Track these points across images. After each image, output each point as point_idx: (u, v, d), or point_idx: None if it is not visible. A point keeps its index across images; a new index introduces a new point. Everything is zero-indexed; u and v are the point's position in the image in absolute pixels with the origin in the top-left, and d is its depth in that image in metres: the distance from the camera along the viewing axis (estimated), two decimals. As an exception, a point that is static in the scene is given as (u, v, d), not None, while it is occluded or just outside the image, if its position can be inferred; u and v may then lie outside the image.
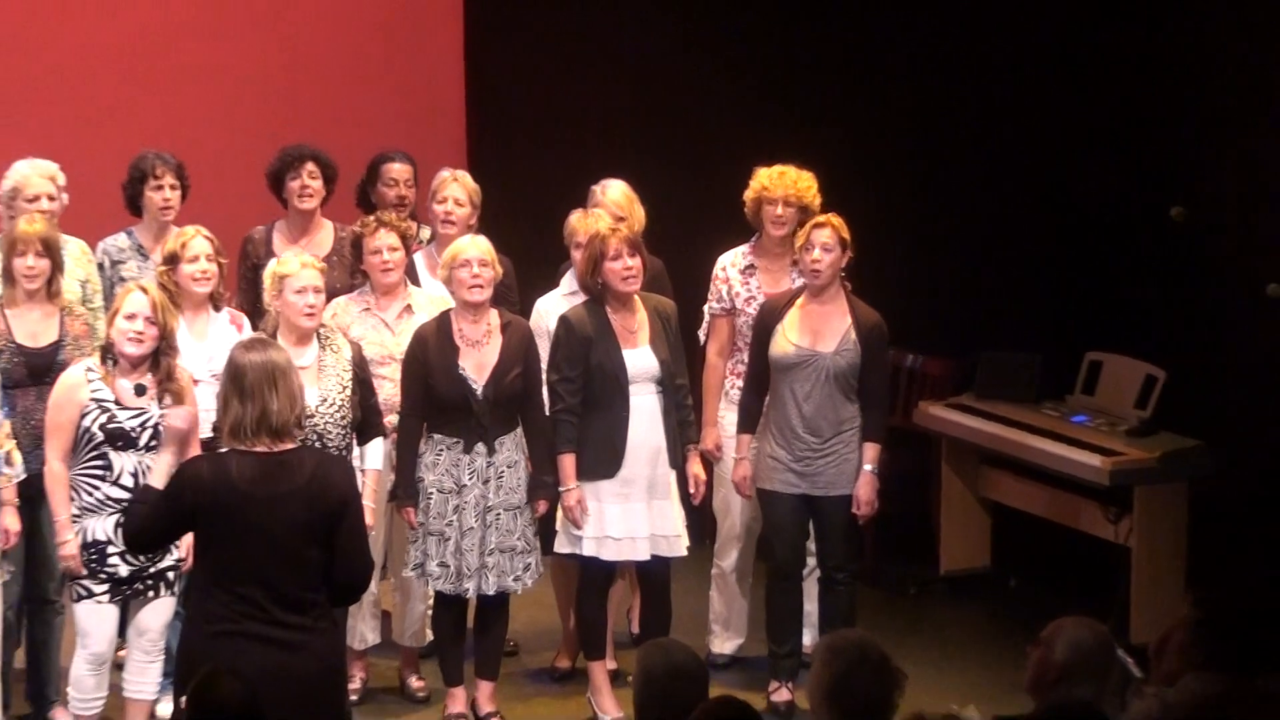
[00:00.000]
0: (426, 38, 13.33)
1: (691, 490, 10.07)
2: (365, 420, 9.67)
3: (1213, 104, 11.56)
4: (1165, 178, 11.54)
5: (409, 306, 10.18)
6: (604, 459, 9.87)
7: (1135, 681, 8.00)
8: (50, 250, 9.72)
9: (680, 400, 10.02)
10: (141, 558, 9.08)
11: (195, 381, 9.38)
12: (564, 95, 12.92)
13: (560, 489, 9.87)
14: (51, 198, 10.16)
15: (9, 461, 9.26)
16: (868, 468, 9.98)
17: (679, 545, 10.05)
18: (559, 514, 9.97)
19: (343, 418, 9.50)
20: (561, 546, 10.03)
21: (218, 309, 9.89)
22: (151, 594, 9.18)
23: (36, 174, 10.18)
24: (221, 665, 6.93)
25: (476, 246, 9.79)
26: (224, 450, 7.89)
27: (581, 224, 10.26)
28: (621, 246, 9.77)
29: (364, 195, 11.06)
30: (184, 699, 6.79)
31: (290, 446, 7.56)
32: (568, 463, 9.86)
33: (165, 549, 8.82)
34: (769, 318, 10.01)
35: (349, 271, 10.40)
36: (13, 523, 9.25)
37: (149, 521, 7.83)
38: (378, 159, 11.14)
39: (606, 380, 9.83)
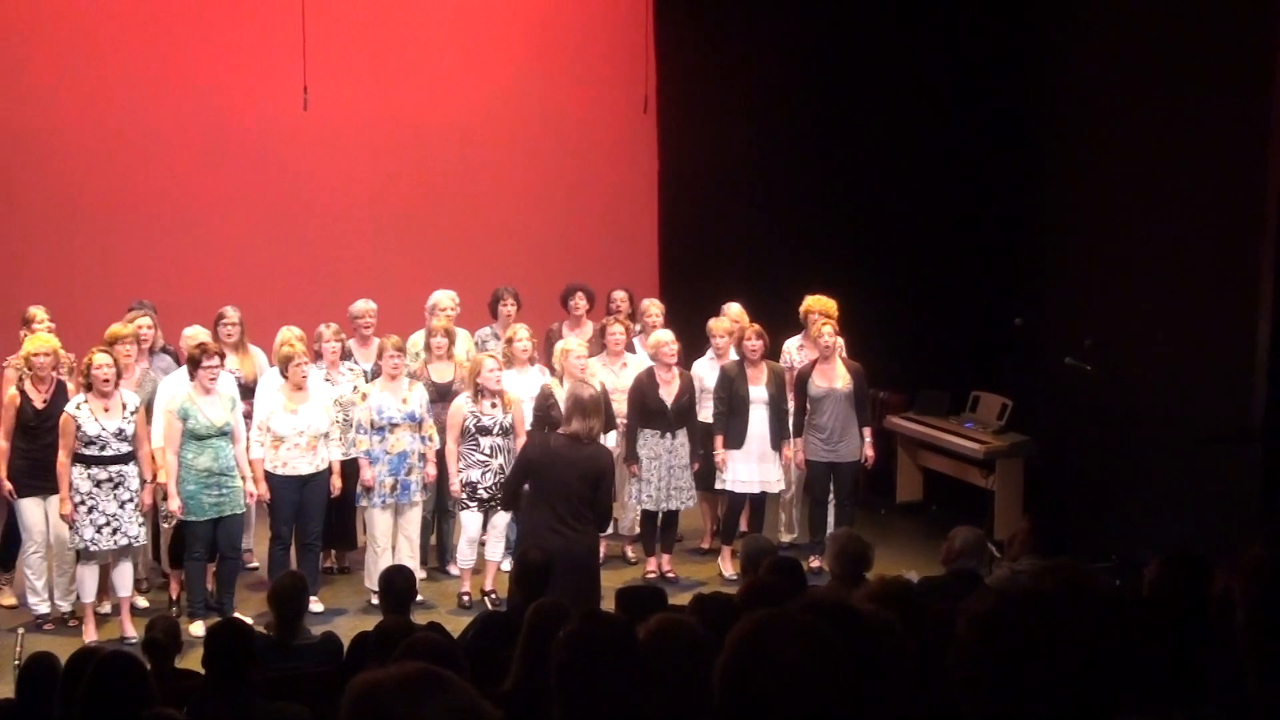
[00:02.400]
0: (635, 213, 12.93)
1: (783, 462, 10.08)
2: (607, 421, 9.32)
3: (1043, 250, 11.52)
4: (1013, 297, 11.42)
5: (625, 363, 10.07)
6: (735, 439, 9.89)
7: (997, 559, 8.13)
8: (449, 335, 9.85)
9: (783, 417, 10.02)
10: (492, 488, 9.15)
11: (521, 401, 9.42)
12: (708, 250, 12.52)
13: (713, 453, 9.91)
14: (451, 309, 10.24)
15: (431, 439, 9.38)
16: (868, 439, 10.07)
17: (776, 488, 10.13)
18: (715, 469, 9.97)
19: (593, 419, 9.51)
20: (718, 485, 10.01)
21: (533, 364, 9.87)
22: (499, 508, 9.20)
23: (445, 296, 10.30)
24: (532, 545, 7.23)
25: (670, 336, 9.88)
26: (550, 433, 8.21)
27: (715, 325, 10.26)
28: (752, 334, 9.91)
29: (606, 308, 10.84)
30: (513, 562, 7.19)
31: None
32: (719, 440, 9.89)
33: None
34: (804, 376, 10.04)
35: (599, 347, 10.25)
36: (432, 470, 9.39)
37: (512, 473, 8.16)
38: (611, 291, 10.97)
39: (739, 400, 9.85)
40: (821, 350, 10.02)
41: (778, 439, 10.03)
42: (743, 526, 10.26)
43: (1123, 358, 10.19)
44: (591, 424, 7.84)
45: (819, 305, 10.33)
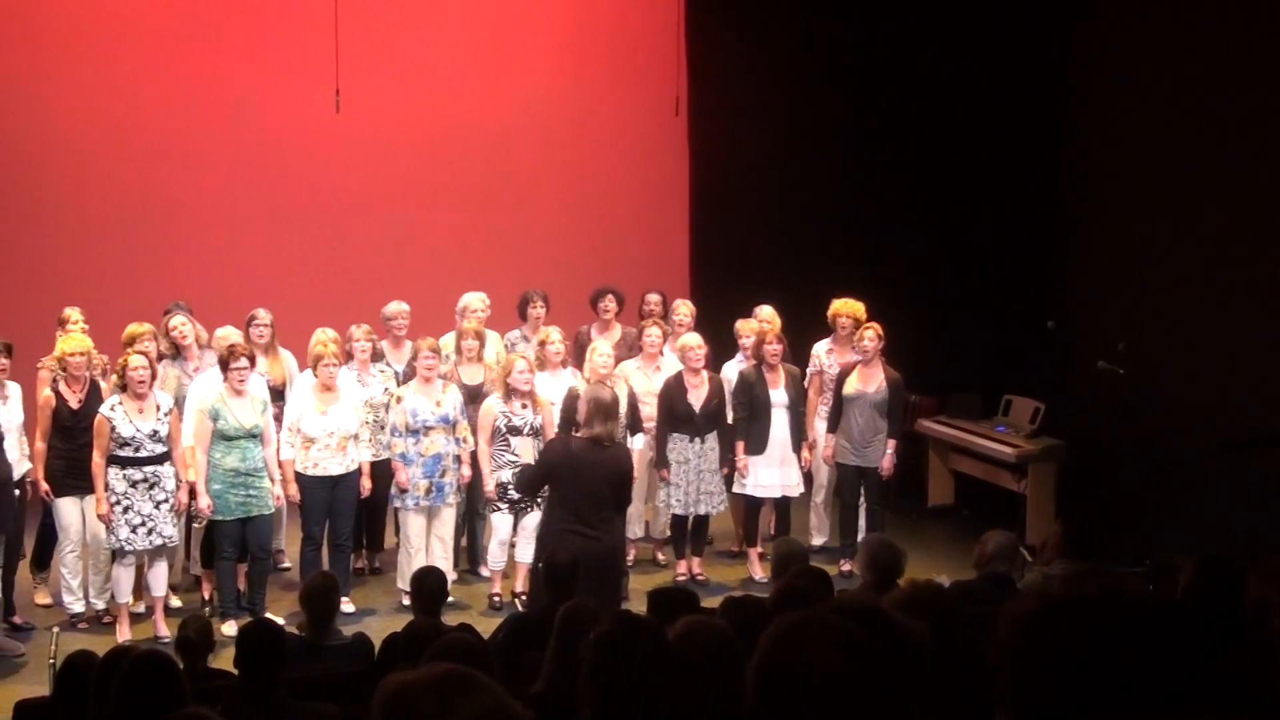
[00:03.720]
0: (666, 216, 12.92)
1: (802, 464, 10.08)
2: (633, 424, 9.62)
3: (1076, 254, 11.51)
4: (1046, 301, 11.39)
5: (658, 366, 10.06)
6: (757, 443, 9.87)
7: (1029, 564, 8.11)
8: (479, 336, 9.87)
9: (802, 420, 10.04)
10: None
11: (551, 403, 9.39)
12: (739, 254, 12.46)
13: (734, 458, 9.86)
14: (482, 311, 10.23)
15: (465, 440, 9.39)
16: (889, 452, 9.96)
17: (796, 491, 10.08)
18: (736, 473, 9.93)
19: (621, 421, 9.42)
20: (738, 489, 9.97)
21: (565, 366, 9.83)
22: (530, 509, 9.19)
23: (475, 298, 10.28)
24: (559, 546, 7.22)
25: (697, 340, 9.87)
26: (569, 436, 8.21)
27: (743, 326, 10.27)
28: (773, 338, 9.91)
29: (640, 311, 10.79)
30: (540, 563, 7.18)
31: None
32: (740, 446, 9.86)
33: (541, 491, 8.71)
34: (843, 376, 10.02)
35: (630, 349, 10.36)
36: (467, 471, 9.41)
37: (533, 474, 8.16)
38: (645, 293, 10.96)
39: (760, 404, 9.84)
40: (861, 352, 10.01)
41: (798, 442, 10.03)
42: (770, 529, 10.24)
43: (1155, 361, 10.18)
44: (612, 426, 7.84)
45: (846, 308, 10.35)
